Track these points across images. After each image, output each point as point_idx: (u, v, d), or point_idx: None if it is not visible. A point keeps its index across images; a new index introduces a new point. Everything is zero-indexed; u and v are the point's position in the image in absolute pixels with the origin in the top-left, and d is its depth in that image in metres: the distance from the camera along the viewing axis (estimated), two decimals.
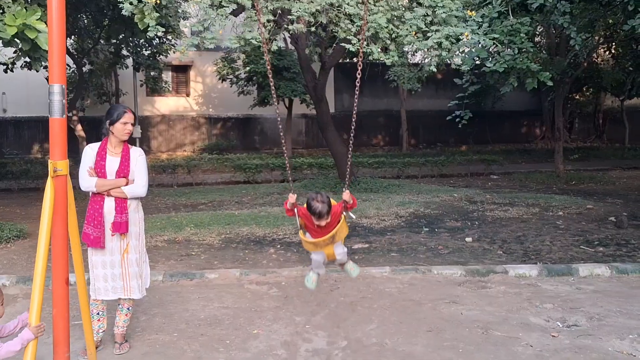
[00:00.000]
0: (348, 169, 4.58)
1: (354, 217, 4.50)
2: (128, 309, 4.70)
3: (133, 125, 4.60)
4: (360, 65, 4.14)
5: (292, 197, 4.29)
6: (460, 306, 5.52)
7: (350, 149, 4.51)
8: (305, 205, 4.30)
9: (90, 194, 4.56)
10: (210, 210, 11.00)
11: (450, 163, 17.74)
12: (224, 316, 5.34)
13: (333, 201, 4.29)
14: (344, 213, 4.26)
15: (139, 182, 4.59)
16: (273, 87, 4.40)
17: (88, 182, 4.46)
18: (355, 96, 4.26)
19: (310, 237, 4.33)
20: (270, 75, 4.39)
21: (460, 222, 9.47)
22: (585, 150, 22.02)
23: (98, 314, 4.61)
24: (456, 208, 10.70)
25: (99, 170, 4.50)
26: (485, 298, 5.75)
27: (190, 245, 8.06)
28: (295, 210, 4.28)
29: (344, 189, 4.27)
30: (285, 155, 4.79)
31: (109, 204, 4.51)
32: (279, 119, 4.60)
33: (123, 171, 4.55)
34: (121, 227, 4.49)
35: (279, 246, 7.90)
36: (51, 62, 3.42)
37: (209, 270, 6.63)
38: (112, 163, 4.55)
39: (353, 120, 4.33)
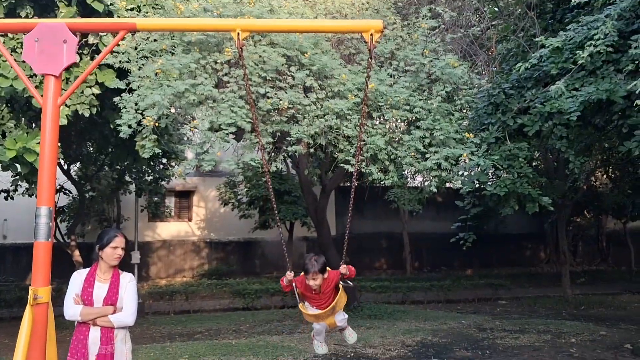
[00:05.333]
0: (345, 245, 4.77)
1: (351, 283, 4.69)
2: None
3: (123, 249, 4.42)
4: (355, 181, 4.82)
5: (289, 275, 4.63)
6: None
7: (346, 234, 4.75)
8: (302, 273, 4.58)
9: (76, 323, 4.28)
10: (206, 340, 10.50)
11: (457, 288, 17.28)
12: None
13: (329, 269, 4.63)
14: (342, 282, 4.57)
15: (127, 311, 4.33)
16: (275, 207, 5.09)
17: (72, 310, 4.20)
18: (349, 214, 4.84)
19: (311, 309, 4.60)
20: (272, 196, 4.89)
21: (470, 351, 8.96)
22: (591, 274, 21.57)
23: None
24: (465, 336, 10.19)
25: (86, 297, 4.26)
26: None
27: None
28: (293, 283, 4.60)
29: (341, 263, 4.56)
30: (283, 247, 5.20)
31: (94, 334, 4.22)
32: (283, 241, 5.25)
33: (111, 298, 4.30)
34: None
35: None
36: (41, 183, 3.32)
37: None
38: (100, 290, 4.31)
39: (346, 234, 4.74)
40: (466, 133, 7.76)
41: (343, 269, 4.57)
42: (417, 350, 9.04)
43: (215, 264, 22.28)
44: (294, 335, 10.65)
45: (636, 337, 9.82)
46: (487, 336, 10.11)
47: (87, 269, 4.43)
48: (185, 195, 22.69)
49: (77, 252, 14.76)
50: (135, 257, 15.59)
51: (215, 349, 9.06)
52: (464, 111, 8.86)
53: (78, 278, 4.37)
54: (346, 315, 4.70)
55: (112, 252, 4.33)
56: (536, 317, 12.67)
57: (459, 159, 7.57)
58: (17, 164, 6.47)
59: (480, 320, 12.02)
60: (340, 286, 4.56)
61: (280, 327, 12.20)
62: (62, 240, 15.86)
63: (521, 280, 19.96)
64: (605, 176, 20.56)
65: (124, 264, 4.53)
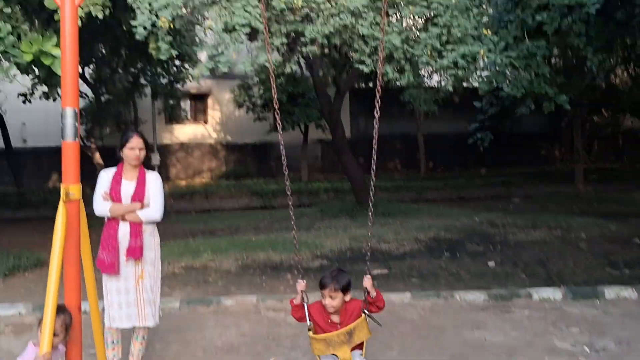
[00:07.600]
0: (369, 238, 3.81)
1: (380, 324, 3.81)
2: (143, 337, 4.60)
3: (141, 150, 4.52)
4: (380, 88, 3.93)
5: (301, 284, 3.72)
6: (484, 331, 5.35)
7: (372, 182, 3.92)
8: (316, 302, 3.72)
9: (106, 218, 4.50)
10: (227, 236, 10.93)
11: (470, 186, 17.53)
12: (240, 344, 5.23)
13: (355, 298, 3.73)
14: (366, 312, 3.65)
15: (154, 206, 4.54)
16: (278, 112, 4.08)
17: (102, 206, 4.42)
18: (376, 120, 3.96)
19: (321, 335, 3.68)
20: (275, 97, 4.08)
21: (482, 246, 9.28)
22: (605, 172, 21.63)
23: (113, 342, 4.52)
24: (477, 232, 10.50)
25: (115, 194, 4.46)
26: (510, 323, 5.58)
27: (208, 271, 7.96)
28: (305, 306, 3.68)
29: (365, 274, 3.66)
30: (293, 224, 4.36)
31: (124, 229, 4.46)
32: (282, 146, 4.29)
33: (138, 195, 4.50)
34: (135, 252, 4.42)
35: (296, 272, 7.78)
36: (64, 85, 3.40)
37: (225, 296, 6.53)
38: (128, 187, 4.50)
39: (374, 148, 3.94)
40: (484, 30, 7.60)
41: (367, 281, 3.63)
42: (429, 246, 9.37)
43: (232, 165, 22.67)
44: (310, 232, 11.03)
45: None
46: (499, 232, 10.40)
47: (114, 168, 4.59)
48: (200, 99, 22.70)
49: (97, 155, 15.09)
50: (155, 158, 15.89)
51: (236, 245, 9.47)
52: (483, 6, 8.62)
53: (105, 176, 4.55)
54: None
55: (130, 152, 4.45)
56: (548, 214, 12.92)
57: (476, 57, 7.48)
58: (35, 67, 6.52)
59: (492, 217, 12.30)
60: (364, 316, 3.62)
61: (297, 224, 12.60)
62: (82, 144, 16.18)
63: (534, 179, 20.15)
64: (625, 74, 20.14)
65: (145, 166, 4.66)
